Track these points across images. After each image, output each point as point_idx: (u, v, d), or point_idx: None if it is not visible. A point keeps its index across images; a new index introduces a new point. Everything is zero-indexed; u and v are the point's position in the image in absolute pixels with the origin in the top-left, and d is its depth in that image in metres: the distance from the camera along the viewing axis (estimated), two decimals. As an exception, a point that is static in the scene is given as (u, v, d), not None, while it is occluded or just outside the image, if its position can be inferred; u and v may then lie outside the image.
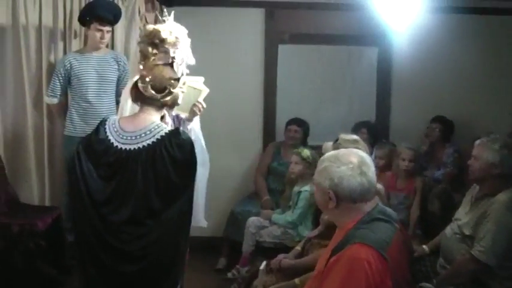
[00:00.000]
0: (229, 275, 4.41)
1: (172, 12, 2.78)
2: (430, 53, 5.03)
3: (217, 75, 4.62)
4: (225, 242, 4.78)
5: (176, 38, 2.70)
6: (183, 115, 3.24)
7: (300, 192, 4.14)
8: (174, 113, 2.95)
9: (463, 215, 3.18)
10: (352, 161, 2.13)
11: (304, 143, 4.86)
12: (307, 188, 4.10)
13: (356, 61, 5.31)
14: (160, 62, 2.65)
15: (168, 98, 2.63)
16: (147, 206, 2.55)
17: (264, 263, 2.99)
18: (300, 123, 4.95)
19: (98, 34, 4.25)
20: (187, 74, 2.80)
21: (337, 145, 3.08)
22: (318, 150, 3.93)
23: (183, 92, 2.77)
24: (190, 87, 3.10)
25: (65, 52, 4.57)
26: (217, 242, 4.82)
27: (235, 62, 5.08)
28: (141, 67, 2.65)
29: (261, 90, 5.17)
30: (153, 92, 2.60)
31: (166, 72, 2.63)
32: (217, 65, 4.84)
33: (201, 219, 3.38)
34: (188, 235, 2.69)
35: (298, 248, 3.37)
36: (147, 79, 2.59)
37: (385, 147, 4.54)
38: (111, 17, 4.26)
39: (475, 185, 3.23)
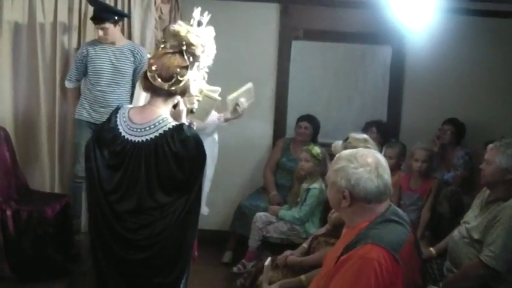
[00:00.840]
0: (235, 269, 4.42)
1: (199, 9, 2.75)
2: (443, 54, 4.99)
3: (230, 69, 4.64)
4: (232, 236, 4.79)
5: (202, 44, 2.70)
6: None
7: (308, 189, 4.14)
8: (187, 121, 2.85)
9: (472, 219, 3.16)
10: (369, 162, 2.11)
11: (314, 140, 4.85)
12: (316, 185, 4.10)
13: (369, 59, 5.28)
14: (169, 50, 2.66)
15: (176, 87, 2.61)
16: (152, 198, 2.57)
17: (269, 258, 2.99)
18: (310, 120, 4.93)
19: (98, 32, 4.39)
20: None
21: (346, 144, 3.07)
22: (328, 148, 3.93)
23: (199, 100, 2.77)
24: (206, 97, 3.13)
25: (79, 43, 4.66)
26: (224, 236, 4.83)
27: (248, 56, 5.07)
28: (149, 55, 2.66)
29: (273, 86, 5.16)
30: (160, 80, 2.58)
31: (174, 59, 2.61)
32: (230, 60, 4.81)
33: (202, 207, 3.32)
34: (196, 228, 2.70)
35: (305, 245, 3.37)
36: (154, 67, 2.59)
37: (395, 146, 4.52)
38: (98, 16, 4.34)
39: (485, 188, 3.21)
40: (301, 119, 4.97)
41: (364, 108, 5.29)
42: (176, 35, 2.65)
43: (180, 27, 2.70)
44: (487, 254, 2.89)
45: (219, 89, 3.27)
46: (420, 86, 5.12)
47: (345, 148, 2.89)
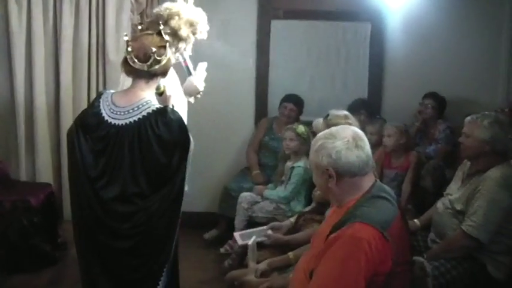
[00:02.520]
0: (222, 250, 4.44)
1: None
2: (423, 30, 5.00)
3: (210, 50, 4.60)
4: (221, 218, 4.79)
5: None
6: None
7: (293, 167, 4.15)
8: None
9: (454, 190, 3.20)
10: (346, 135, 2.12)
11: (297, 119, 4.85)
12: (300, 163, 4.11)
13: (350, 37, 5.26)
14: (148, 32, 2.65)
15: (156, 67, 2.60)
16: (136, 183, 2.56)
17: (254, 237, 2.98)
18: (296, 102, 4.90)
19: None
20: None
21: (327, 121, 3.07)
22: (310, 126, 3.94)
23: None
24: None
25: (55, 28, 4.62)
26: (211, 218, 4.83)
27: (227, 37, 5.04)
28: (126, 38, 2.63)
29: (253, 66, 5.14)
30: (138, 62, 2.57)
31: (152, 39, 2.60)
32: (209, 40, 4.79)
33: None
34: (179, 216, 2.69)
35: (292, 219, 3.38)
36: (130, 48, 2.58)
37: (376, 123, 4.55)
38: None
39: (466, 160, 3.24)
40: (287, 99, 4.93)
41: (346, 86, 5.28)
42: (170, 15, 2.64)
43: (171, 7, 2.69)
44: (468, 224, 2.94)
45: (205, 63, 3.30)
46: (400, 62, 5.12)
47: (326, 125, 2.90)
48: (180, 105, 3.14)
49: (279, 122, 4.93)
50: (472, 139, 3.07)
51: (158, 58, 2.59)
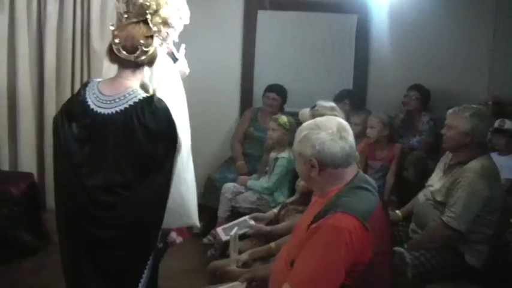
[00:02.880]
0: (205, 240, 4.44)
1: None
2: (408, 22, 5.03)
3: (195, 40, 4.57)
4: (205, 208, 4.78)
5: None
6: None
7: (277, 158, 4.16)
8: None
9: (435, 182, 3.22)
10: (331, 127, 2.13)
11: (281, 110, 4.86)
12: (284, 154, 4.12)
13: (336, 28, 5.27)
14: (133, 20, 2.61)
15: (143, 58, 2.57)
16: (119, 173, 2.53)
17: (236, 228, 2.98)
18: (278, 91, 4.92)
19: None
20: None
21: (314, 112, 3.07)
22: (295, 117, 3.94)
23: None
24: None
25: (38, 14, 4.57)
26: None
27: (213, 27, 5.03)
28: (112, 28, 2.60)
29: (239, 56, 5.14)
30: (125, 53, 2.54)
31: (139, 29, 2.57)
32: (195, 30, 4.75)
33: (194, 218, 3.03)
34: (165, 207, 2.66)
35: (275, 210, 3.39)
36: (117, 40, 2.54)
37: (361, 113, 4.57)
38: None
39: (448, 152, 3.27)
40: (269, 89, 4.95)
41: (331, 77, 5.30)
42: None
43: None
44: (448, 215, 2.97)
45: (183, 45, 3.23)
46: (386, 54, 5.14)
47: (313, 116, 2.90)
48: (181, 104, 3.03)
49: (263, 113, 4.94)
50: (454, 131, 3.11)
51: (145, 49, 2.56)
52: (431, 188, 3.20)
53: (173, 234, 3.15)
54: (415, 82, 4.98)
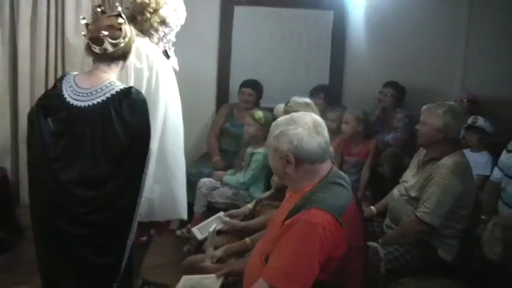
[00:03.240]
0: (178, 232, 4.46)
1: None
2: (384, 19, 5.07)
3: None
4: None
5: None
6: None
7: (253, 153, 4.16)
8: None
9: (410, 178, 3.26)
10: (307, 122, 2.14)
11: (257, 105, 4.87)
12: (260, 150, 4.12)
13: (312, 25, 5.29)
14: (106, 14, 2.63)
15: (112, 50, 2.56)
16: (95, 167, 2.52)
17: (214, 225, 2.99)
18: (254, 87, 4.93)
19: None
20: None
21: (287, 108, 3.08)
22: (272, 112, 3.96)
23: None
24: None
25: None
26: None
27: (189, 22, 4.98)
28: (84, 21, 2.61)
29: (215, 52, 5.13)
30: (92, 45, 2.55)
31: (107, 22, 2.57)
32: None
33: (181, 212, 3.23)
34: (138, 202, 2.65)
35: (250, 206, 3.40)
36: (83, 33, 2.57)
37: (337, 110, 4.59)
38: None
39: (422, 148, 3.32)
40: (245, 85, 4.96)
41: (307, 73, 5.32)
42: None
43: None
44: (422, 210, 3.01)
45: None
46: (362, 50, 5.17)
47: (286, 111, 2.91)
48: (177, 100, 3.19)
49: (239, 108, 4.94)
50: (427, 127, 3.15)
51: (113, 41, 2.54)
52: (405, 184, 3.24)
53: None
54: (390, 79, 5.02)
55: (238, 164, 4.44)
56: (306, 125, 2.13)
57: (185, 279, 2.47)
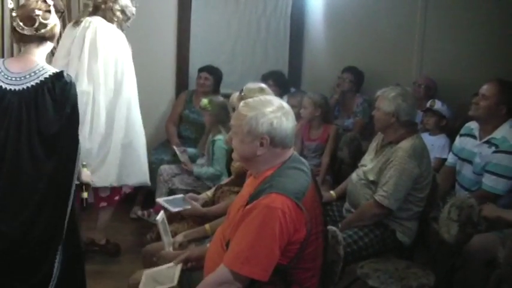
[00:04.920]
0: (139, 213, 4.47)
1: None
2: (342, 4, 5.10)
3: (130, 22, 4.48)
4: (140, 191, 4.73)
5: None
6: None
7: (214, 141, 4.13)
8: None
9: (368, 162, 3.30)
10: (282, 106, 2.15)
11: (216, 91, 4.84)
12: (220, 136, 4.09)
13: (270, 10, 5.28)
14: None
15: (43, 30, 2.62)
16: (30, 153, 2.54)
17: (161, 212, 2.93)
18: (211, 71, 4.89)
19: None
20: None
21: (242, 96, 3.02)
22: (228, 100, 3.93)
23: None
24: None
25: None
26: (132, 191, 4.75)
27: (147, 9, 4.91)
28: (11, 6, 2.70)
29: (174, 39, 5.07)
30: (24, 27, 2.59)
31: (36, 4, 2.61)
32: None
33: (147, 178, 3.82)
34: (72, 184, 2.67)
35: (209, 193, 3.38)
36: (14, 14, 2.60)
37: (297, 96, 4.60)
38: None
39: (380, 133, 3.36)
40: (201, 69, 4.92)
41: (267, 59, 5.32)
42: None
43: None
44: (380, 194, 3.06)
45: None
46: (320, 36, 5.20)
47: (242, 99, 2.87)
48: (134, 79, 3.70)
49: (197, 95, 4.90)
50: (380, 112, 3.21)
51: (44, 22, 2.61)
52: (364, 168, 3.28)
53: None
54: (349, 64, 5.06)
55: (201, 150, 4.41)
56: (282, 109, 2.13)
57: (146, 274, 2.45)
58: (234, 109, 3.03)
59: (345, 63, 5.07)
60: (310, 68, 5.28)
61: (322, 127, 4.42)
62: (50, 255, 2.63)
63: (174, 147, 4.47)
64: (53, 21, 2.66)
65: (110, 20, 3.61)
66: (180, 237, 2.81)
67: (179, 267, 2.40)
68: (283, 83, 4.95)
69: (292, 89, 4.97)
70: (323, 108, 4.39)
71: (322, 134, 4.40)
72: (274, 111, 2.11)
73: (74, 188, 2.67)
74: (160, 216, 2.77)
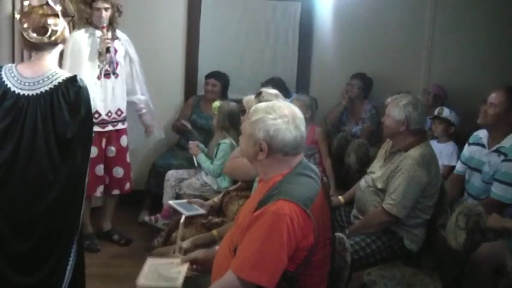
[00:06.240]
0: (146, 218, 4.46)
1: None
2: (352, 11, 5.09)
3: (138, 26, 4.52)
4: (147, 195, 4.75)
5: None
6: None
7: (219, 144, 4.13)
8: None
9: (377, 169, 3.29)
10: (287, 114, 2.12)
11: (224, 96, 4.84)
12: (226, 140, 4.09)
13: (279, 15, 5.28)
14: (37, 5, 2.69)
15: (55, 37, 2.63)
16: (49, 157, 2.56)
17: (184, 215, 2.98)
18: (218, 77, 4.90)
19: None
20: None
21: (260, 98, 3.07)
22: (240, 104, 3.93)
23: None
24: None
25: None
26: (140, 195, 4.77)
27: (157, 12, 4.95)
28: (17, 16, 2.68)
29: (183, 43, 5.08)
30: (35, 35, 2.59)
31: (42, 11, 2.62)
32: (138, 16, 4.70)
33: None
34: (84, 189, 2.69)
35: (215, 199, 3.39)
36: (25, 25, 2.60)
37: (301, 99, 4.59)
38: None
39: (389, 140, 3.35)
40: (209, 76, 4.93)
41: (275, 64, 5.32)
42: None
43: None
44: (388, 202, 3.05)
45: None
46: (329, 42, 5.19)
47: (259, 102, 2.89)
48: None
49: (205, 100, 4.91)
50: (390, 119, 3.19)
51: (55, 28, 2.62)
52: (372, 175, 3.27)
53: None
54: (358, 70, 5.06)
55: (209, 153, 4.43)
56: (285, 117, 2.11)
57: (150, 262, 2.44)
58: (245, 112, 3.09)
59: (354, 70, 5.07)
60: (318, 73, 5.27)
61: (308, 129, 4.39)
62: (62, 254, 2.66)
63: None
64: (62, 25, 2.67)
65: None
66: (187, 243, 2.82)
67: (185, 267, 2.38)
68: (282, 90, 4.93)
69: (294, 95, 4.96)
70: (313, 110, 4.40)
71: (308, 136, 4.38)
72: (275, 119, 2.10)
73: (86, 187, 2.71)
74: (183, 218, 2.80)
